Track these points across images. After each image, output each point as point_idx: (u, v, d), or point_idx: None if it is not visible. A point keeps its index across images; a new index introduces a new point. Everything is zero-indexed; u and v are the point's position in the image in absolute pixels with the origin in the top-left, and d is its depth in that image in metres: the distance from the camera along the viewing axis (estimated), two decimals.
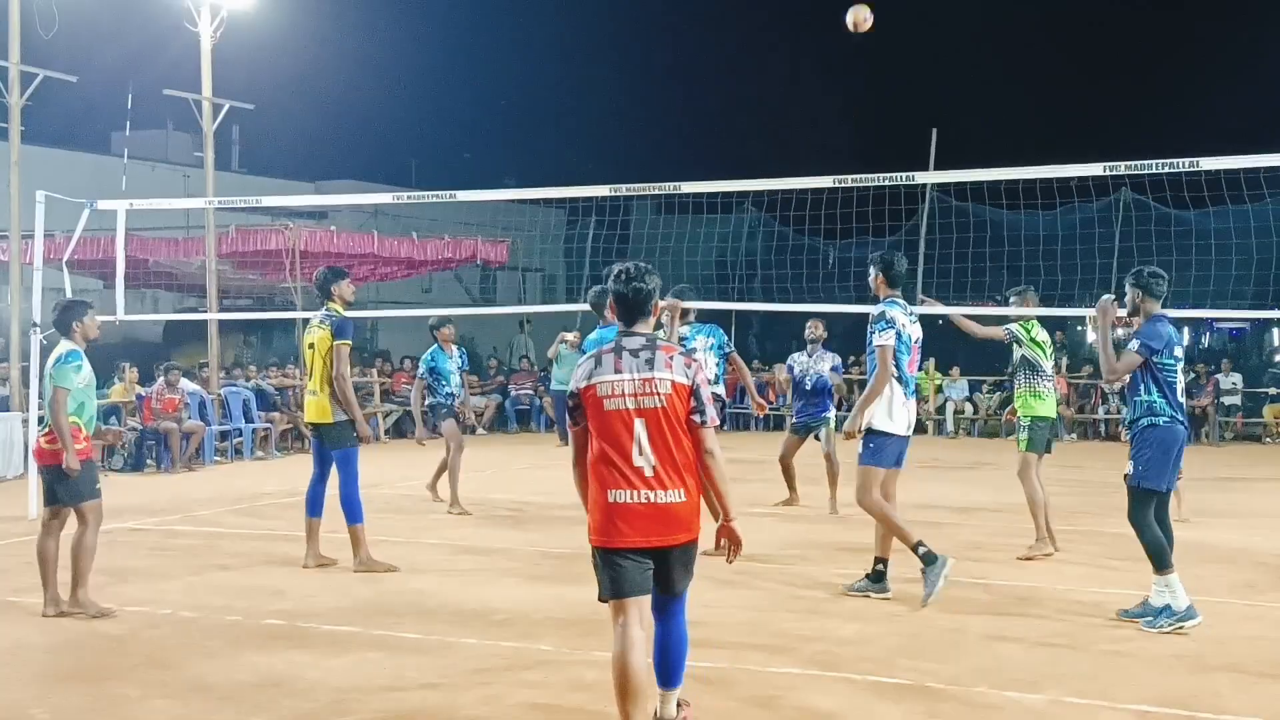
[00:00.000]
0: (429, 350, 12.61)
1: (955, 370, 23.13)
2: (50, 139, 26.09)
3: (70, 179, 18.68)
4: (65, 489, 7.49)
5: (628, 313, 5.24)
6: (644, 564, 5.05)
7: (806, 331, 12.32)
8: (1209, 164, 9.33)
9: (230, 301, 21.43)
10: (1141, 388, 7.42)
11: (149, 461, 16.12)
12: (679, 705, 5.30)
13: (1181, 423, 7.46)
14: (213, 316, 18.56)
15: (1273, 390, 21.73)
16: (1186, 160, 9.11)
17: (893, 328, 7.96)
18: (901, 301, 8.20)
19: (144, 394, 16.37)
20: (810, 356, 12.26)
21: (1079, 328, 37.05)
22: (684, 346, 8.66)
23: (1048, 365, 9.70)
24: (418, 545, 10.25)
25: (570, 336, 20.16)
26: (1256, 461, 18.11)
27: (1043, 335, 9.75)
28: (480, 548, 10.07)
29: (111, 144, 30.58)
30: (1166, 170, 9.32)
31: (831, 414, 12.29)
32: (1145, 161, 9.24)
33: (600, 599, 5.16)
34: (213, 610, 7.62)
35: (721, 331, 10.98)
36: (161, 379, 16.40)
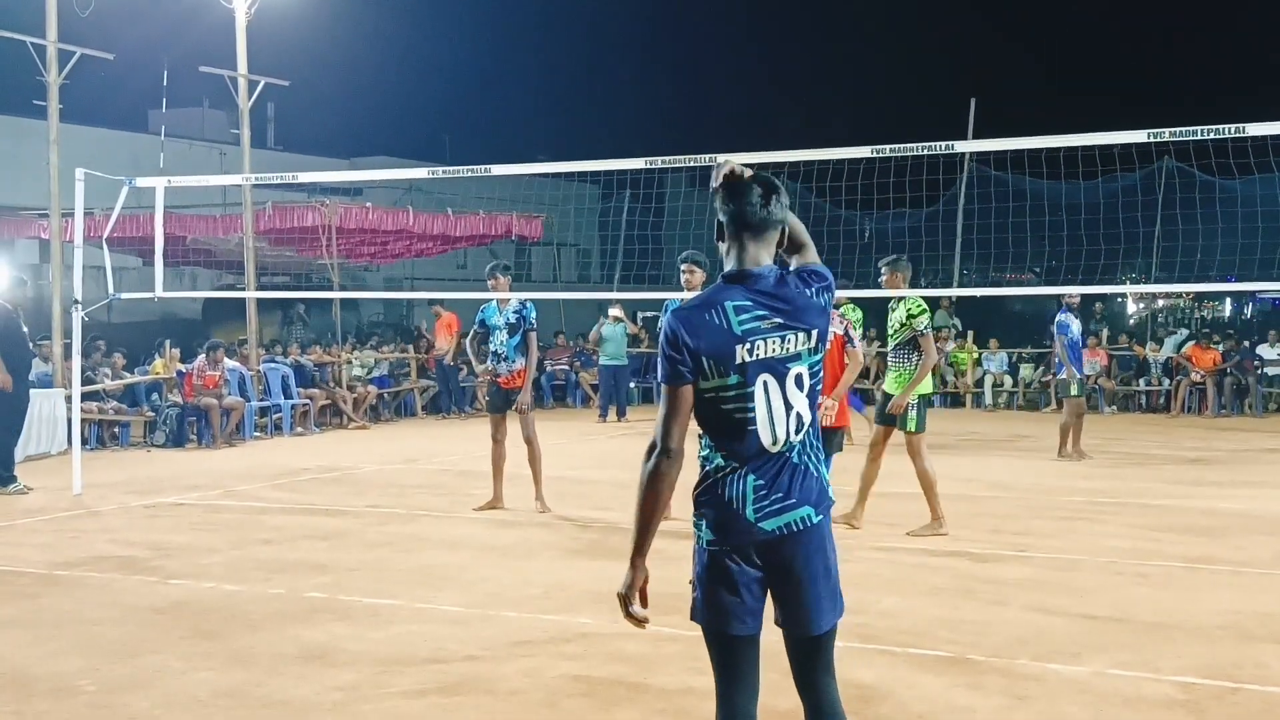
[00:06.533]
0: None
1: (994, 342, 22.89)
2: (88, 117, 26.25)
3: (108, 157, 18.83)
4: None
5: None
6: None
7: None
8: (1256, 129, 9.14)
9: (267, 279, 21.48)
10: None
11: (190, 437, 16.24)
12: None
13: None
14: (250, 295, 18.64)
15: None
16: (1233, 126, 8.95)
17: None
18: None
19: (184, 370, 16.48)
20: None
21: (1119, 300, 36.72)
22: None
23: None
24: (456, 519, 10.29)
25: (615, 311, 20.11)
26: None
27: (924, 309, 9.27)
28: (519, 522, 10.09)
29: (148, 121, 30.78)
30: (1212, 136, 9.16)
31: None
32: (1190, 128, 9.05)
33: None
34: (255, 584, 7.67)
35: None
36: (203, 356, 16.49)
